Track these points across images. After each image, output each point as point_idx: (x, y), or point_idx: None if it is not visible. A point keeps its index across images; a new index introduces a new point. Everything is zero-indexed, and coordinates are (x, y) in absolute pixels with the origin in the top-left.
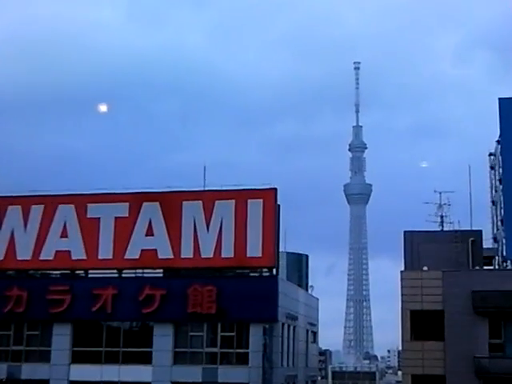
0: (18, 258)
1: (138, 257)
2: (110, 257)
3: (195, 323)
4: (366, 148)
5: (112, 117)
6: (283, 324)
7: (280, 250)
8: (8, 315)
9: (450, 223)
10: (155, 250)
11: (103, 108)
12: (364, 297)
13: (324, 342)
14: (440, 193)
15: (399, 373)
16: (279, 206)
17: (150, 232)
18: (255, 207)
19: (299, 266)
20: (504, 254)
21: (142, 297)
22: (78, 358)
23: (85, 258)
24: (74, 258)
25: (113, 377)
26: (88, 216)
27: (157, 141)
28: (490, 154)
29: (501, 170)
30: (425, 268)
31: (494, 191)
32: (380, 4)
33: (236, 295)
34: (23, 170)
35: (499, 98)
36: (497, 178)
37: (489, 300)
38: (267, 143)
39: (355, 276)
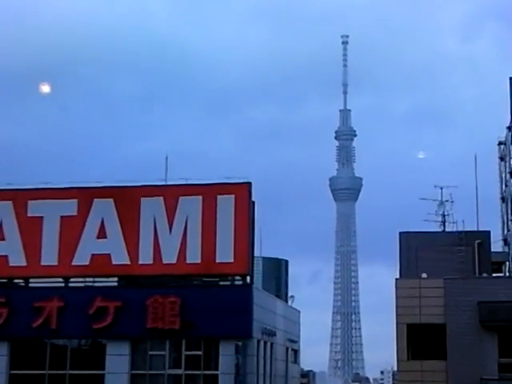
0: None
1: (87, 263)
2: (55, 263)
3: (156, 340)
4: (355, 135)
5: (63, 100)
6: (259, 341)
7: (255, 254)
8: None
9: (453, 223)
10: (108, 254)
11: (46, 88)
12: (353, 309)
13: (307, 362)
14: (441, 188)
15: None
16: (254, 202)
17: (102, 234)
18: (226, 204)
19: (278, 272)
20: None
21: (92, 310)
22: (16, 382)
23: (24, 264)
24: (11, 264)
25: None
26: (29, 215)
27: (115, 127)
28: (500, 143)
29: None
30: (424, 275)
31: (503, 186)
32: None
33: (204, 307)
34: None
35: (510, 78)
36: (507, 170)
37: (498, 313)
38: (242, 130)
39: (343, 285)
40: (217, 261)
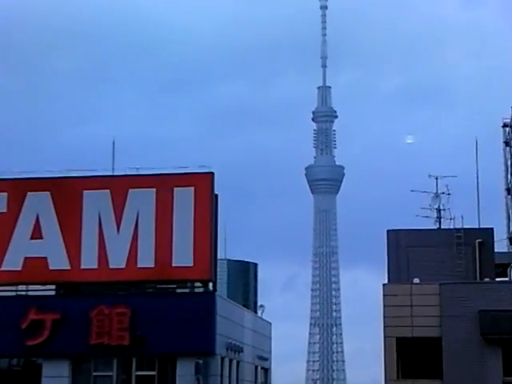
0: None
1: (19, 268)
2: None
3: (101, 359)
4: (335, 117)
5: None
6: (223, 358)
7: (219, 256)
8: None
9: (451, 219)
10: (45, 258)
11: None
12: (334, 320)
13: (280, 382)
14: (437, 178)
15: None
16: (217, 196)
17: (37, 233)
18: (184, 198)
19: (245, 278)
20: None
21: (25, 324)
22: None
23: None
24: None
25: None
26: None
27: (53, 109)
28: (505, 125)
29: None
30: (416, 280)
31: (509, 175)
32: None
33: (158, 320)
34: None
35: None
36: None
37: (502, 323)
38: (205, 111)
39: (322, 292)
40: (173, 265)
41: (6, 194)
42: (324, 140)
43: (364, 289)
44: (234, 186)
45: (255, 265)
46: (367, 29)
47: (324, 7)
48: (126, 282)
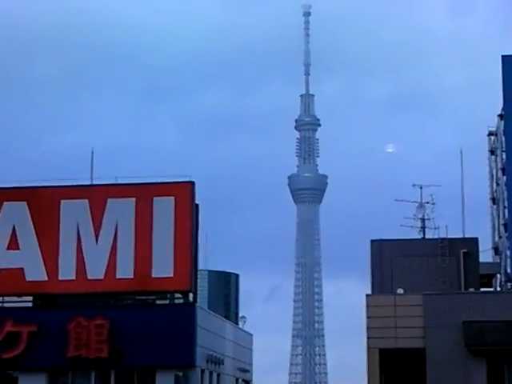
0: None
1: None
2: None
3: (79, 372)
4: (318, 125)
5: None
6: (203, 370)
7: (199, 267)
8: None
9: (435, 229)
10: (21, 269)
11: None
12: (316, 332)
13: None
14: (421, 187)
15: None
16: (198, 205)
17: (13, 244)
18: (164, 208)
19: (226, 289)
20: (508, 270)
21: (1, 336)
22: None
23: None
24: None
25: None
26: None
27: (31, 116)
28: (490, 134)
29: (504, 156)
30: (399, 290)
31: (494, 184)
32: None
33: (137, 332)
34: None
35: (503, 56)
36: (498, 166)
37: (486, 334)
38: (188, 120)
39: (304, 303)
40: (153, 275)
41: None
42: (307, 149)
43: (348, 300)
44: (215, 196)
45: (236, 275)
46: (352, 37)
47: (307, 14)
48: (104, 293)
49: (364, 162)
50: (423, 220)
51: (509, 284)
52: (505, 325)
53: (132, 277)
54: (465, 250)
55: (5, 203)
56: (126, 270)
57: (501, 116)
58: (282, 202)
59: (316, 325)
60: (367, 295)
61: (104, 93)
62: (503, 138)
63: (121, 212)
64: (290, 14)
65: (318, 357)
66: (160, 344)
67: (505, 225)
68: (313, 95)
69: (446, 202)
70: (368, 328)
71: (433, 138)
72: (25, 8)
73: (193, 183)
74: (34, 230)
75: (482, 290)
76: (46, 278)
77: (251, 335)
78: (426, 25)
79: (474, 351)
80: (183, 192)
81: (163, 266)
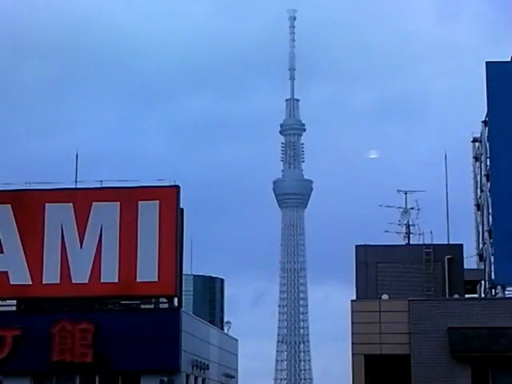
0: None
1: None
2: None
3: (63, 377)
4: (303, 130)
5: None
6: (188, 376)
7: (184, 272)
8: None
9: (420, 234)
10: (5, 272)
11: None
12: (302, 337)
13: None
14: (406, 193)
15: None
16: (183, 210)
17: None
18: (149, 212)
19: (211, 294)
20: (493, 277)
21: None
22: None
23: None
24: None
25: None
26: None
27: (16, 121)
28: (475, 140)
29: (488, 162)
30: (384, 296)
31: (479, 191)
32: None
33: (122, 336)
34: None
35: (487, 62)
36: (483, 172)
37: (471, 341)
38: (174, 125)
39: (289, 308)
40: (138, 280)
41: None
42: (292, 153)
43: (332, 306)
44: (201, 200)
45: (221, 280)
46: (338, 42)
47: (293, 19)
48: (89, 297)
49: (349, 168)
50: (408, 226)
51: (493, 290)
52: (489, 331)
53: (117, 281)
54: (449, 256)
55: None
56: (110, 274)
57: (485, 122)
58: (266, 207)
59: (301, 330)
60: (352, 301)
61: (91, 97)
62: (487, 145)
63: (105, 216)
64: (276, 19)
65: (303, 362)
66: (145, 349)
67: (489, 231)
68: (298, 100)
69: (431, 208)
70: (353, 334)
71: (418, 144)
72: (11, 12)
73: (178, 187)
74: (18, 234)
75: (467, 296)
76: (30, 282)
77: (236, 340)
78: (413, 31)
79: (459, 357)
80: (168, 196)
81: (148, 271)
